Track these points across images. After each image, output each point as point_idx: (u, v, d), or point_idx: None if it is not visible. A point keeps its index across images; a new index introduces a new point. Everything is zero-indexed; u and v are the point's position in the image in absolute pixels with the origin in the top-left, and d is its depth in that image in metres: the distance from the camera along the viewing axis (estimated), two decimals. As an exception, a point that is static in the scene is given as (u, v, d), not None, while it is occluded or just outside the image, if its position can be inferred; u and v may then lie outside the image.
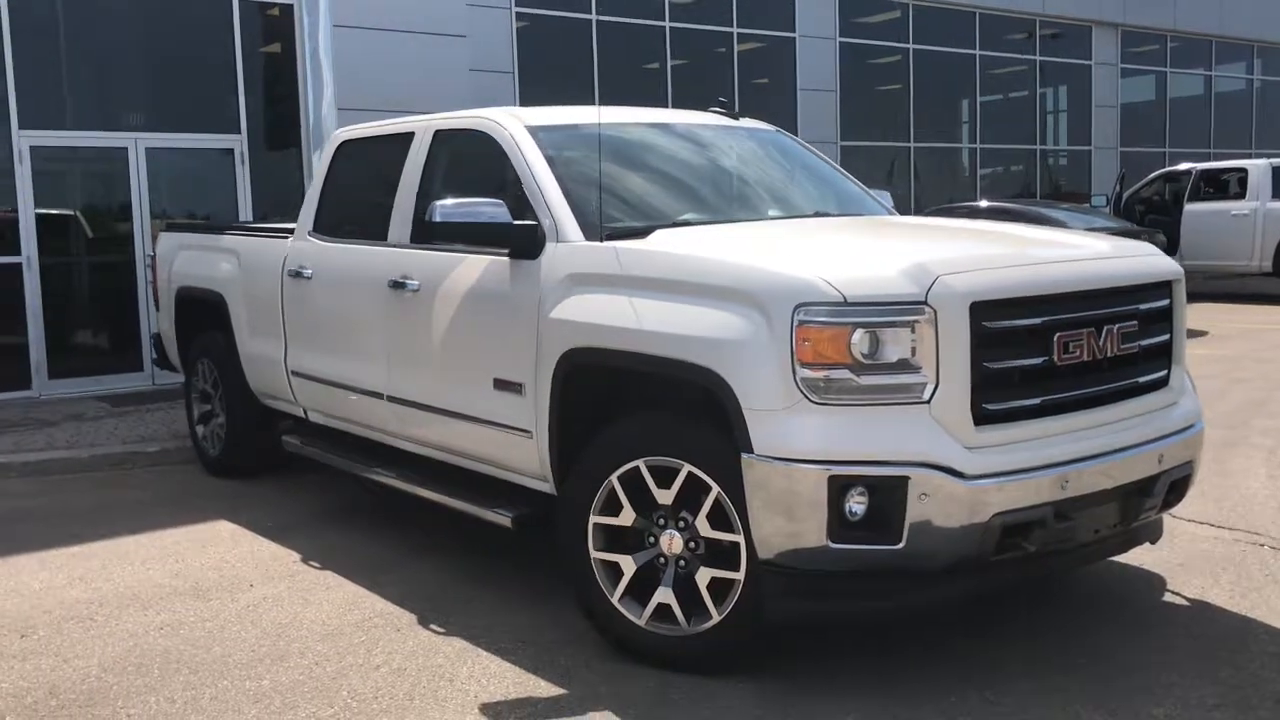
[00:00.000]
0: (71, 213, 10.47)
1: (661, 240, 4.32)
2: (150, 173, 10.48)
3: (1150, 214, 17.17)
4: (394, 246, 5.40)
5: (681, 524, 3.99)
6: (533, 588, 4.92)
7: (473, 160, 5.25)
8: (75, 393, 10.08)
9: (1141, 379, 4.13)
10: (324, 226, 6.11)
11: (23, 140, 9.86)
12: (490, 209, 4.57)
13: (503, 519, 4.67)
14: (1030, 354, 3.78)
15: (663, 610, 4.03)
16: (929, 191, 19.76)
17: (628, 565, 4.10)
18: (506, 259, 4.63)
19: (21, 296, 9.96)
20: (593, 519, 4.14)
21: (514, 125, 5.00)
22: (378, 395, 5.46)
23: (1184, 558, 5.10)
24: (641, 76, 16.83)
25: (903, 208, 17.90)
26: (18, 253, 9.94)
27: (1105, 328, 3.93)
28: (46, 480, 7.42)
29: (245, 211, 10.92)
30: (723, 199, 5.28)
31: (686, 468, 3.91)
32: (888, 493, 3.54)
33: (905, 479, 3.52)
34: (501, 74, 14.75)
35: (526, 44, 15.26)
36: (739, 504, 3.74)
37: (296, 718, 3.80)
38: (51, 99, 10.16)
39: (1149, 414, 4.13)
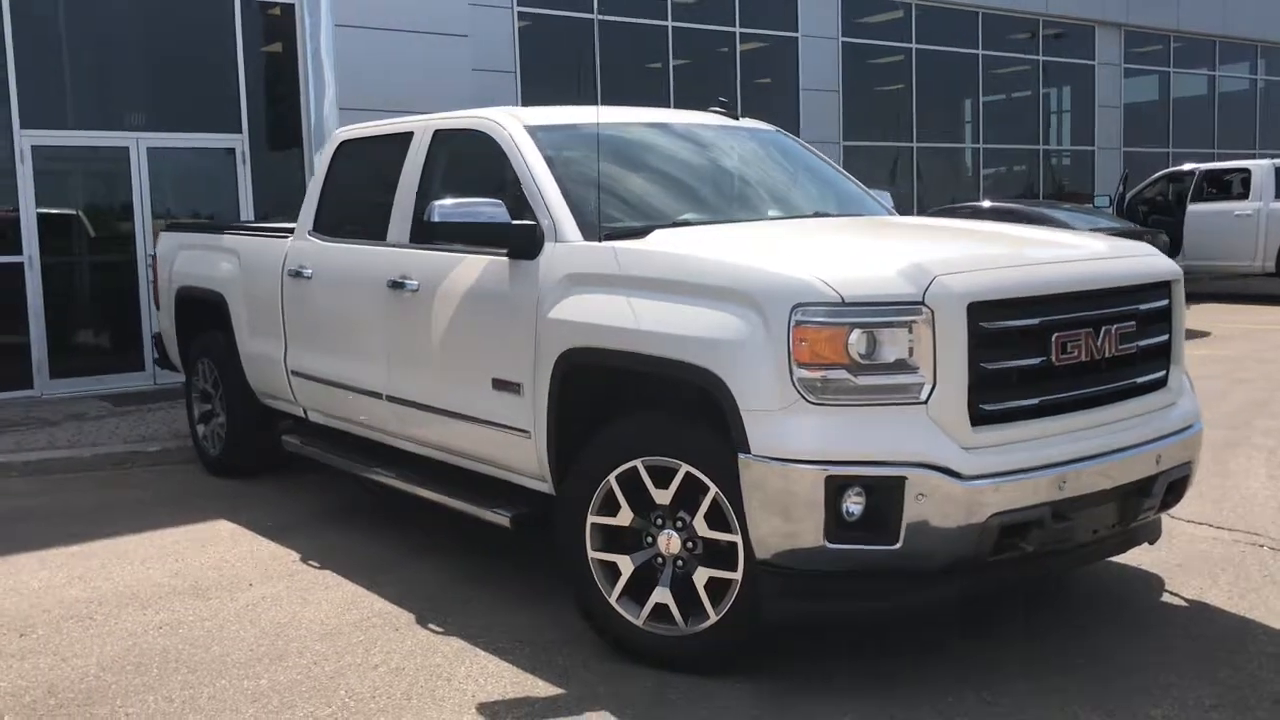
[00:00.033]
0: (73, 212, 10.49)
1: (660, 240, 4.32)
2: (152, 172, 10.49)
3: (1153, 214, 17.15)
4: (393, 246, 5.40)
5: (679, 524, 3.99)
6: (531, 588, 4.93)
7: (472, 160, 5.25)
8: (77, 392, 10.10)
9: (1140, 379, 4.13)
10: (324, 226, 6.12)
11: (24, 140, 9.87)
12: (489, 209, 4.57)
13: (501, 519, 4.67)
14: (1028, 354, 3.78)
15: (660, 610, 4.03)
16: (932, 192, 19.75)
17: (625, 565, 4.10)
18: (505, 259, 4.64)
19: (23, 296, 9.98)
20: (591, 519, 4.15)
21: (513, 125, 5.00)
22: (377, 395, 5.46)
23: (1183, 558, 5.10)
24: (644, 76, 16.83)
25: (906, 208, 17.91)
26: (19, 252, 9.96)
27: (1103, 328, 3.92)
28: (47, 479, 7.43)
29: (247, 211, 10.93)
30: (722, 199, 5.27)
31: (684, 468, 3.91)
32: (885, 493, 3.54)
33: (902, 479, 3.52)
34: (504, 74, 14.76)
35: (529, 44, 15.26)
36: (736, 504, 3.74)
37: (294, 717, 3.80)
38: (53, 98, 10.17)
39: (1147, 414, 4.13)
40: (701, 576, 3.94)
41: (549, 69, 15.56)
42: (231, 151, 10.94)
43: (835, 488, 3.53)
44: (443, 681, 4.04)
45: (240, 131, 10.93)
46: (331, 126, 10.25)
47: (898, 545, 3.56)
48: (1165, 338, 4.24)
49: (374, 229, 5.57)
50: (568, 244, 4.45)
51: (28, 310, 10.00)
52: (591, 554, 4.16)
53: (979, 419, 3.65)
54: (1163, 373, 4.24)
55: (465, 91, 11.34)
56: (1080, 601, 4.69)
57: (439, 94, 10.15)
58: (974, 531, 3.58)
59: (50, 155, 10.18)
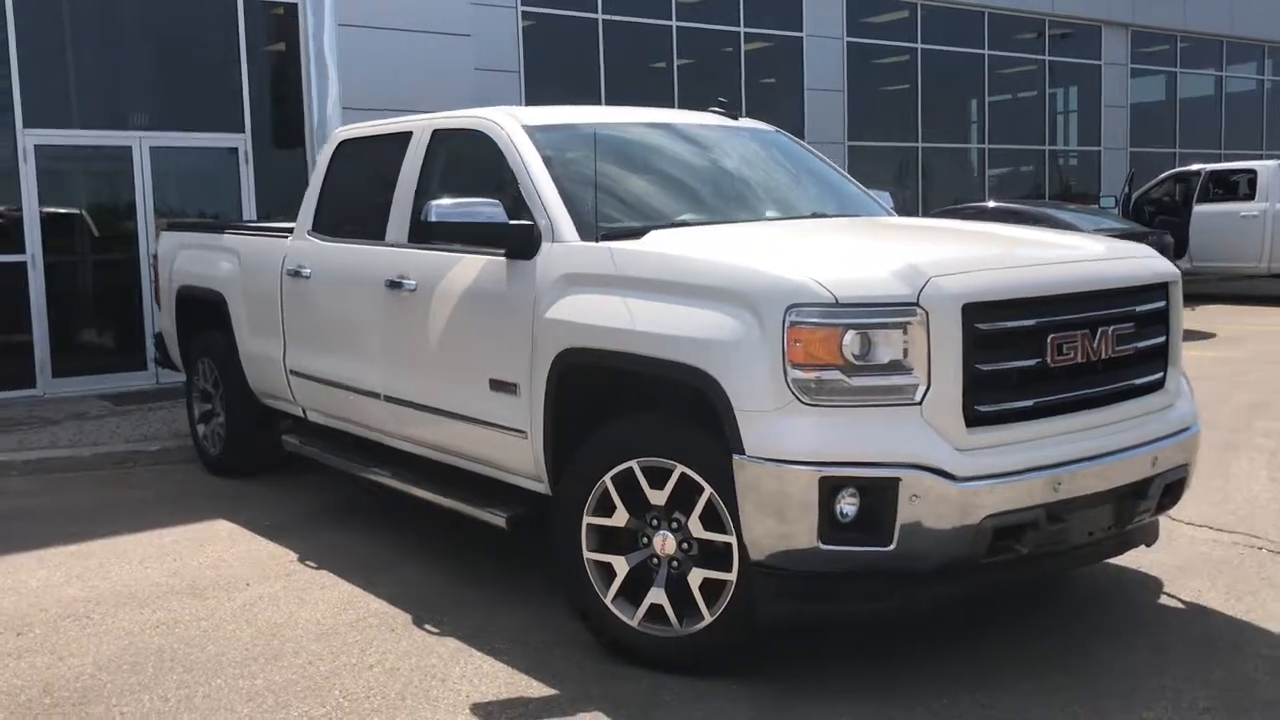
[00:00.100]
0: (76, 211, 10.50)
1: (656, 241, 4.31)
2: (155, 171, 10.50)
3: (1159, 215, 17.09)
4: (392, 246, 5.40)
5: (674, 525, 3.99)
6: (527, 588, 4.92)
7: (470, 160, 5.24)
8: (79, 391, 10.11)
9: (1137, 381, 4.11)
10: (323, 226, 6.12)
11: (27, 139, 9.89)
12: (487, 209, 4.57)
13: (497, 519, 4.67)
14: (1023, 355, 3.77)
15: (655, 611, 4.03)
16: (937, 192, 19.72)
17: (621, 566, 4.09)
18: (503, 259, 4.63)
19: (26, 295, 9.99)
20: (586, 519, 4.14)
21: (511, 125, 5.00)
22: (375, 395, 5.46)
23: (1182, 560, 5.08)
24: (648, 76, 16.82)
25: (911, 208, 17.89)
26: (22, 251, 9.97)
27: (1100, 329, 3.91)
28: (48, 479, 7.44)
29: (250, 211, 10.94)
30: (720, 199, 5.26)
31: (679, 468, 3.91)
32: (879, 494, 3.53)
33: (896, 480, 3.51)
34: (507, 73, 14.76)
35: (532, 43, 15.26)
36: (731, 505, 3.73)
37: (289, 716, 3.81)
38: (56, 98, 10.18)
39: (1144, 416, 4.11)
40: (696, 577, 3.94)
41: (553, 69, 15.56)
42: (234, 151, 10.95)
43: (829, 489, 3.53)
44: (437, 682, 4.04)
45: (243, 131, 10.94)
46: (334, 126, 10.24)
47: (892, 546, 3.55)
48: (1163, 339, 4.23)
49: (373, 229, 5.57)
50: (565, 244, 4.45)
51: (30, 309, 10.01)
52: (587, 555, 4.15)
53: (974, 420, 3.64)
54: (1160, 374, 4.22)
55: (469, 91, 11.35)
56: (1077, 603, 4.67)
57: (442, 94, 10.15)
58: (968, 533, 3.57)
59: (53, 154, 10.19)
